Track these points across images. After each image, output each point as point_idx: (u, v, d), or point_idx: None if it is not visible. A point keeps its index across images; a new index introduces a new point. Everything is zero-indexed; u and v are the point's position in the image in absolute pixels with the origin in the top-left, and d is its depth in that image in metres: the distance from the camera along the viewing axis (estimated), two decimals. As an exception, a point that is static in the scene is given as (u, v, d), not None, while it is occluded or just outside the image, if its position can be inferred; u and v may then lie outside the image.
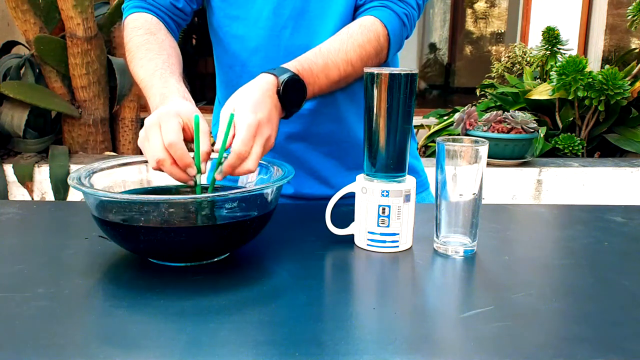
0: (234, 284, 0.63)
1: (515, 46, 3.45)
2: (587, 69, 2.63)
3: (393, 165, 0.73)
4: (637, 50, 3.90)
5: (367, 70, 0.72)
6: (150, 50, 0.87)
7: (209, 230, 0.65)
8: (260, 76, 0.78)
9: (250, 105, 0.72)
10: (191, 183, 0.70)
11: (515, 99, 3.02)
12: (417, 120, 3.48)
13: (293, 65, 0.80)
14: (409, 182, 0.73)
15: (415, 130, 1.38)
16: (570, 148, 2.70)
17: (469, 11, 5.03)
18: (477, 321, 0.55)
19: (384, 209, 0.72)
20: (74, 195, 2.34)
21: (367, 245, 0.74)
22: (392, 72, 0.70)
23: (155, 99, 0.79)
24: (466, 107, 2.82)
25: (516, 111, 2.58)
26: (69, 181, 0.66)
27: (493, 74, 3.46)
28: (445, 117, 3.18)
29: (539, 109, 2.92)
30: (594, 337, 0.53)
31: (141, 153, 0.72)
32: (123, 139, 2.76)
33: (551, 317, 0.58)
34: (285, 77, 0.77)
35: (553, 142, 2.75)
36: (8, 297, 0.59)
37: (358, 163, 0.87)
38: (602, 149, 2.88)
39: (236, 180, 0.79)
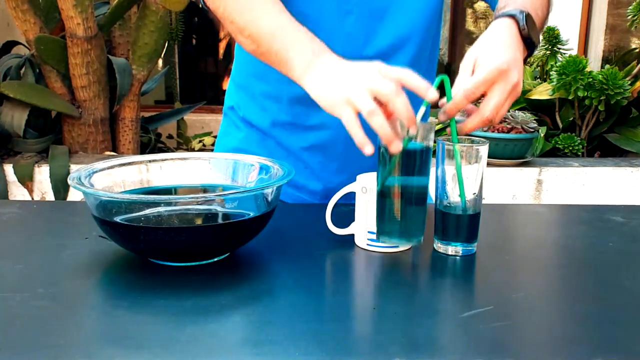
0: (234, 284, 0.63)
1: (515, 46, 3.45)
2: (587, 69, 2.63)
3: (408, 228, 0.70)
4: (637, 50, 3.90)
5: (382, 143, 0.65)
6: (267, 2, 0.77)
7: (209, 230, 0.65)
8: (497, 21, 0.74)
9: (497, 47, 0.68)
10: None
11: (515, 99, 3.02)
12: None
13: (519, 5, 0.76)
14: (409, 182, 0.72)
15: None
16: (570, 148, 2.70)
17: (469, 11, 5.03)
18: (477, 321, 0.55)
19: (384, 209, 0.71)
20: (74, 195, 2.34)
21: (367, 245, 0.73)
22: (407, 150, 0.65)
23: (306, 54, 0.71)
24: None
25: (516, 111, 2.57)
26: (69, 181, 0.66)
27: (493, 74, 3.45)
28: (445, 117, 3.18)
29: (539, 108, 2.92)
30: (594, 337, 0.53)
31: (140, 153, 0.72)
32: (123, 138, 2.75)
33: (551, 317, 0.58)
34: (522, 15, 0.73)
35: (553, 142, 2.74)
36: (8, 297, 0.59)
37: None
38: (602, 149, 2.88)
39: (236, 180, 0.79)
